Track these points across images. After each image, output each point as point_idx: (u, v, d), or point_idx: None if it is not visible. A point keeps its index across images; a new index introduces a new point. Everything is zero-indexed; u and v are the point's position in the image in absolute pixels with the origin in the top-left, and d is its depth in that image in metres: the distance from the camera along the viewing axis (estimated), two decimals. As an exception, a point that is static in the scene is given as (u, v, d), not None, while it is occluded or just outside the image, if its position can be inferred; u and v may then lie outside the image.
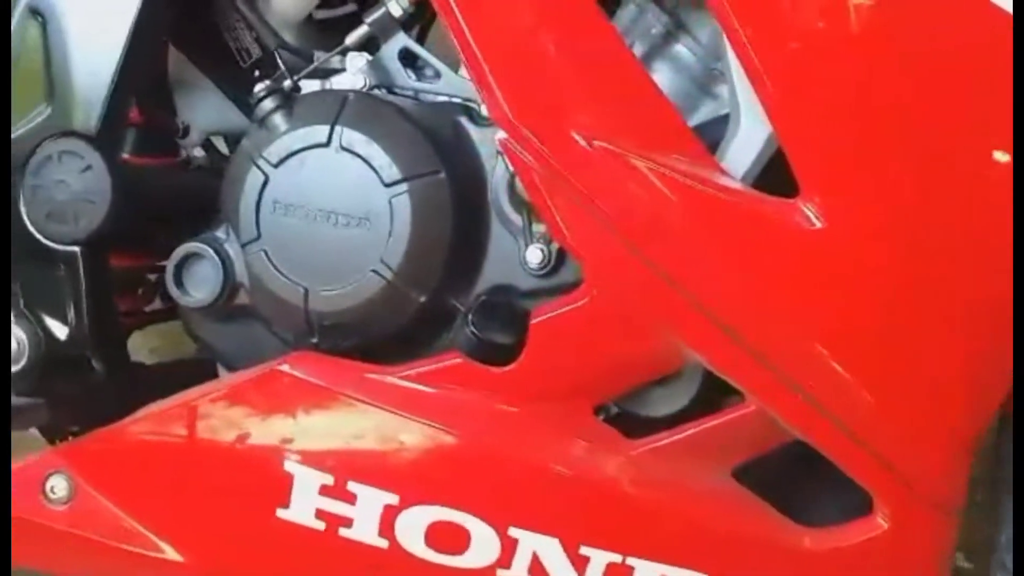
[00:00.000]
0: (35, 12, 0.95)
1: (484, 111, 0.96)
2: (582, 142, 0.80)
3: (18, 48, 0.97)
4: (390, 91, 1.00)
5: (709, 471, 0.89)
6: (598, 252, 0.82)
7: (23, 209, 0.95)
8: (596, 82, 0.81)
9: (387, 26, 1.00)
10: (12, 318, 0.97)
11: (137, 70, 0.97)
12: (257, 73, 1.09)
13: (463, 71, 0.99)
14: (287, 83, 0.99)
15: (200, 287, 0.98)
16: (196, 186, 1.05)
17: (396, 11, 0.98)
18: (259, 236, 0.93)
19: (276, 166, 0.93)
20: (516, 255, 0.95)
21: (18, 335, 0.96)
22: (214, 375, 1.11)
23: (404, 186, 0.91)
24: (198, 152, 1.18)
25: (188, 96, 1.13)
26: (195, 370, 1.11)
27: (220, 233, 0.99)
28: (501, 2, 0.82)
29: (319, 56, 1.06)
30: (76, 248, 0.95)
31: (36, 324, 0.97)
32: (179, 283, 0.98)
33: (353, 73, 1.01)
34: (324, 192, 0.92)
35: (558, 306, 0.86)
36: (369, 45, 1.02)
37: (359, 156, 0.91)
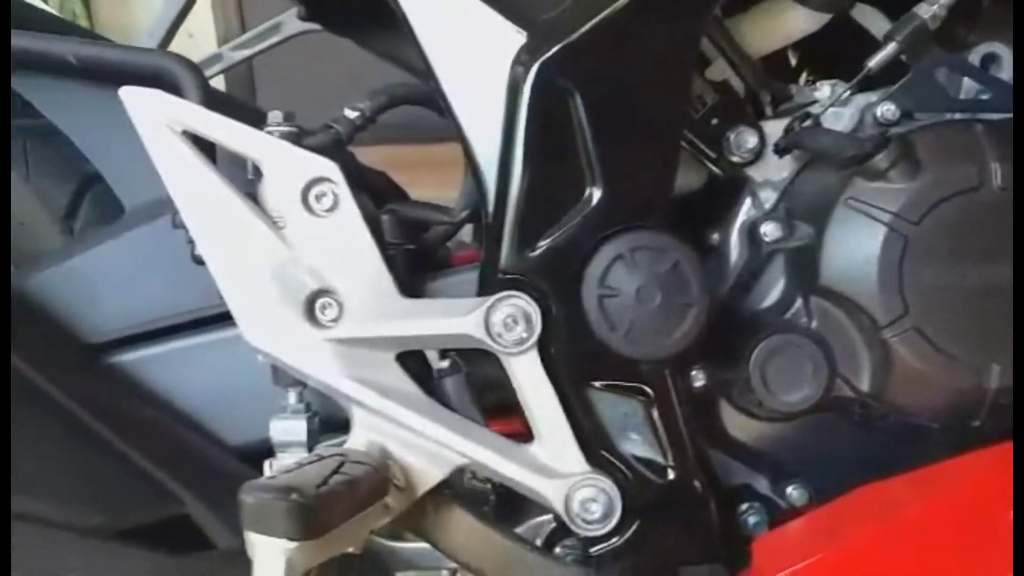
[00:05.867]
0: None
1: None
2: None
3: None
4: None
5: None
6: None
7: (595, 328, 0.76)
8: None
9: (920, 40, 0.84)
10: (587, 467, 0.77)
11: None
12: (715, 121, 0.91)
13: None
14: (806, 122, 0.83)
15: (793, 386, 0.80)
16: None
17: (933, 21, 0.82)
18: (906, 311, 0.76)
19: (917, 223, 0.76)
20: None
21: (603, 487, 0.76)
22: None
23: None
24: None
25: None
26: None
27: (795, 315, 0.81)
28: None
29: (799, 89, 0.90)
30: (664, 366, 0.76)
31: (623, 467, 0.77)
32: (766, 384, 0.80)
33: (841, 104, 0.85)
34: (986, 244, 0.75)
35: None
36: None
37: (1028, 193, 0.75)
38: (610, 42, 0.76)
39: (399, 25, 0.97)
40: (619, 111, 0.76)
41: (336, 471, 0.61)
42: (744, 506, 0.88)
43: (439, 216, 0.83)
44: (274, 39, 1.30)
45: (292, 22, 1.26)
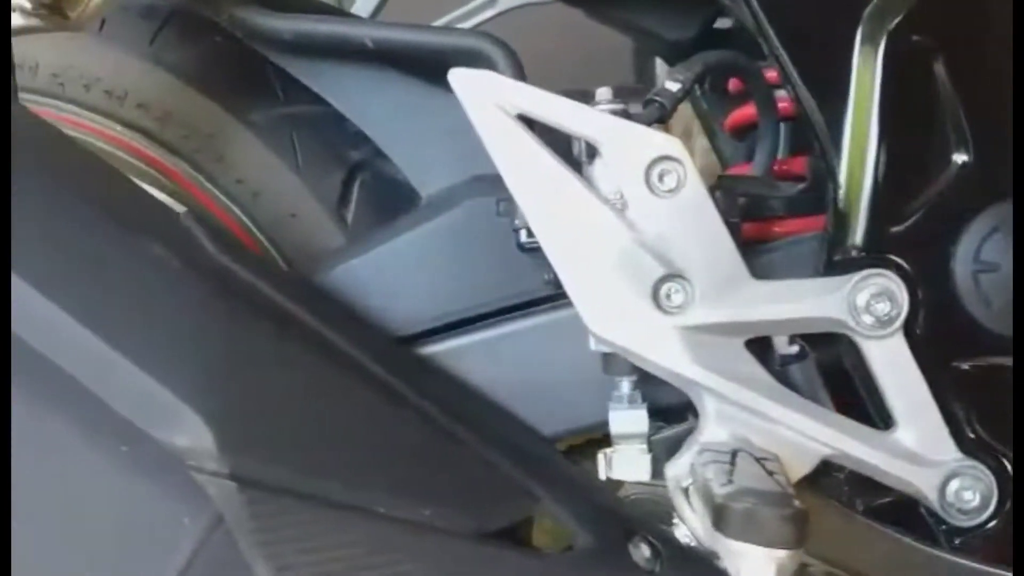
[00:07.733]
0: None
1: None
2: None
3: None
4: None
5: None
6: None
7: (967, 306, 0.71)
8: None
9: None
10: (958, 454, 0.72)
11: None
12: None
13: None
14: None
15: None
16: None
17: None
18: None
19: None
20: None
21: (979, 474, 0.72)
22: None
23: None
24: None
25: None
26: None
27: None
28: None
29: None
30: (1046, 340, 0.71)
31: (997, 452, 0.73)
32: None
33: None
34: None
35: None
36: None
37: None
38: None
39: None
40: (989, 68, 0.71)
41: (770, 472, 0.57)
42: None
43: (771, 191, 0.79)
44: (488, 13, 1.26)
45: (509, -6, 1.21)
